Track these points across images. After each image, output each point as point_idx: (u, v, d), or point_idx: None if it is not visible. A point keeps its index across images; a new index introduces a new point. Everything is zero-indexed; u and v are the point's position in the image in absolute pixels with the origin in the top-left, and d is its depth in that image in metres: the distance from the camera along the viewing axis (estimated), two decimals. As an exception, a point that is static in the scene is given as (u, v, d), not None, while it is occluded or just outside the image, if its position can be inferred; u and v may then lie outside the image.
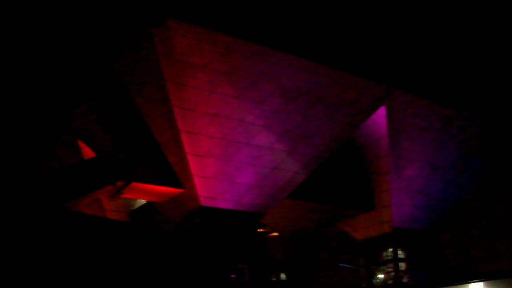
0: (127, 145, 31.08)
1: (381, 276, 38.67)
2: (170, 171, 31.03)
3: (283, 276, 48.41)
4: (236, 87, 29.01)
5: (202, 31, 26.99)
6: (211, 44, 27.47)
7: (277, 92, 29.98)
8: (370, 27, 30.55)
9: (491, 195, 36.60)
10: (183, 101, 28.31)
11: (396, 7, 30.10)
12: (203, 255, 22.88)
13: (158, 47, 27.04)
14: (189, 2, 26.62)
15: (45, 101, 34.64)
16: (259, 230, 34.18)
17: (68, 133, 36.01)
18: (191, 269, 20.91)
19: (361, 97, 32.35)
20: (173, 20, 26.39)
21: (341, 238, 42.36)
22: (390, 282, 37.85)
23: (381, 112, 33.86)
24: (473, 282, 28.59)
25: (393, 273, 37.76)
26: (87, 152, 35.03)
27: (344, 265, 42.26)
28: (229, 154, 30.43)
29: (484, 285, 28.07)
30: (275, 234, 40.88)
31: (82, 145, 35.73)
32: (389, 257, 38.15)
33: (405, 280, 37.65)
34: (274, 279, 47.76)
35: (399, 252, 37.96)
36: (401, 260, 37.96)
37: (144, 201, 36.97)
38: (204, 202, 30.98)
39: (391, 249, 38.09)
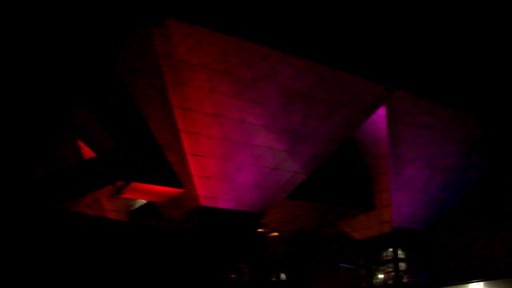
0: (127, 145, 31.03)
1: (381, 276, 38.68)
2: (170, 171, 31.00)
3: (283, 276, 48.45)
4: (236, 87, 29.00)
5: (202, 31, 26.97)
6: (211, 44, 27.45)
7: (277, 92, 29.97)
8: (370, 27, 30.53)
9: (491, 195, 36.59)
10: (183, 101, 28.30)
11: (396, 7, 30.07)
12: (203, 255, 22.89)
13: (158, 47, 27.05)
14: (189, 2, 26.61)
15: (45, 101, 34.69)
16: (259, 230, 34.15)
17: (68, 133, 36.05)
18: (191, 269, 20.92)
19: (361, 97, 32.33)
20: (173, 20, 26.38)
21: (341, 238, 42.37)
22: (390, 282, 37.87)
23: (381, 112, 33.88)
24: (473, 282, 28.67)
25: (393, 273, 37.78)
26: (87, 152, 35.03)
27: (344, 265, 42.27)
28: (229, 154, 30.42)
29: (484, 285, 28.14)
30: (275, 234, 40.81)
31: (82, 145, 35.74)
32: (389, 257, 38.18)
33: (405, 280, 37.67)
34: (274, 279, 47.78)
35: (399, 252, 37.99)
36: (401, 260, 37.98)
37: (144, 201, 36.94)
38: (204, 202, 30.96)
39: (391, 249, 38.12)
